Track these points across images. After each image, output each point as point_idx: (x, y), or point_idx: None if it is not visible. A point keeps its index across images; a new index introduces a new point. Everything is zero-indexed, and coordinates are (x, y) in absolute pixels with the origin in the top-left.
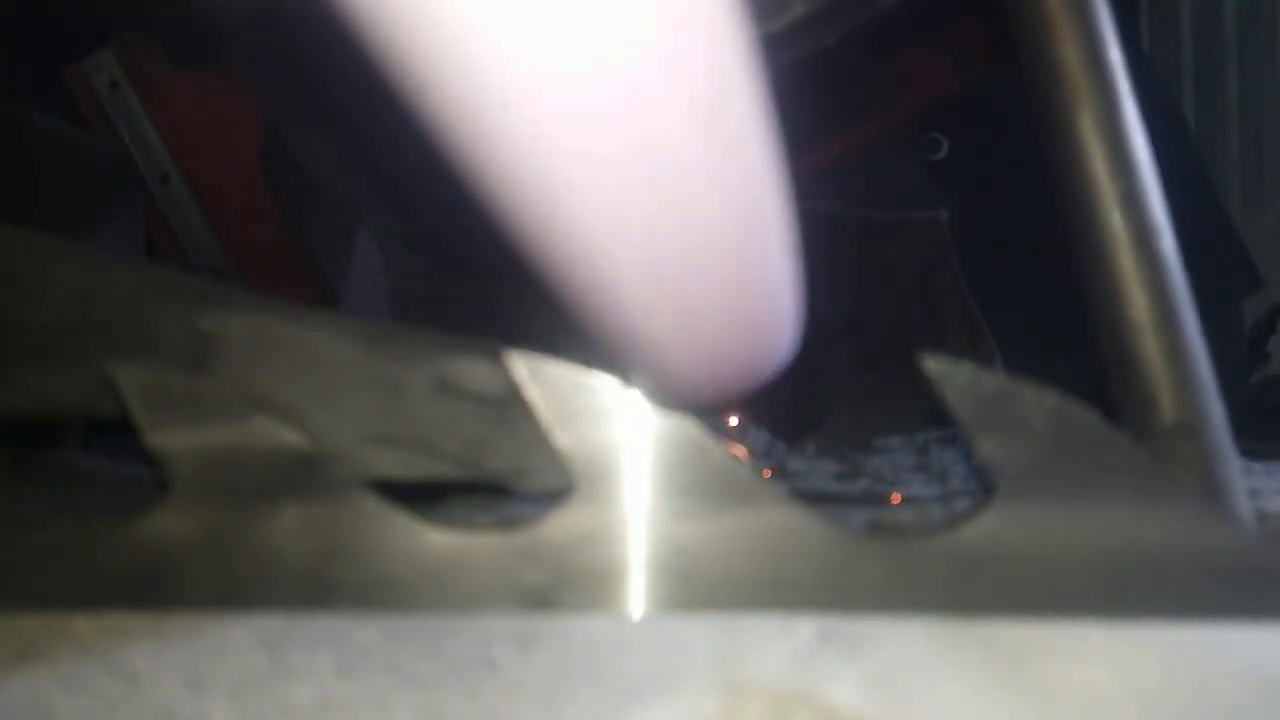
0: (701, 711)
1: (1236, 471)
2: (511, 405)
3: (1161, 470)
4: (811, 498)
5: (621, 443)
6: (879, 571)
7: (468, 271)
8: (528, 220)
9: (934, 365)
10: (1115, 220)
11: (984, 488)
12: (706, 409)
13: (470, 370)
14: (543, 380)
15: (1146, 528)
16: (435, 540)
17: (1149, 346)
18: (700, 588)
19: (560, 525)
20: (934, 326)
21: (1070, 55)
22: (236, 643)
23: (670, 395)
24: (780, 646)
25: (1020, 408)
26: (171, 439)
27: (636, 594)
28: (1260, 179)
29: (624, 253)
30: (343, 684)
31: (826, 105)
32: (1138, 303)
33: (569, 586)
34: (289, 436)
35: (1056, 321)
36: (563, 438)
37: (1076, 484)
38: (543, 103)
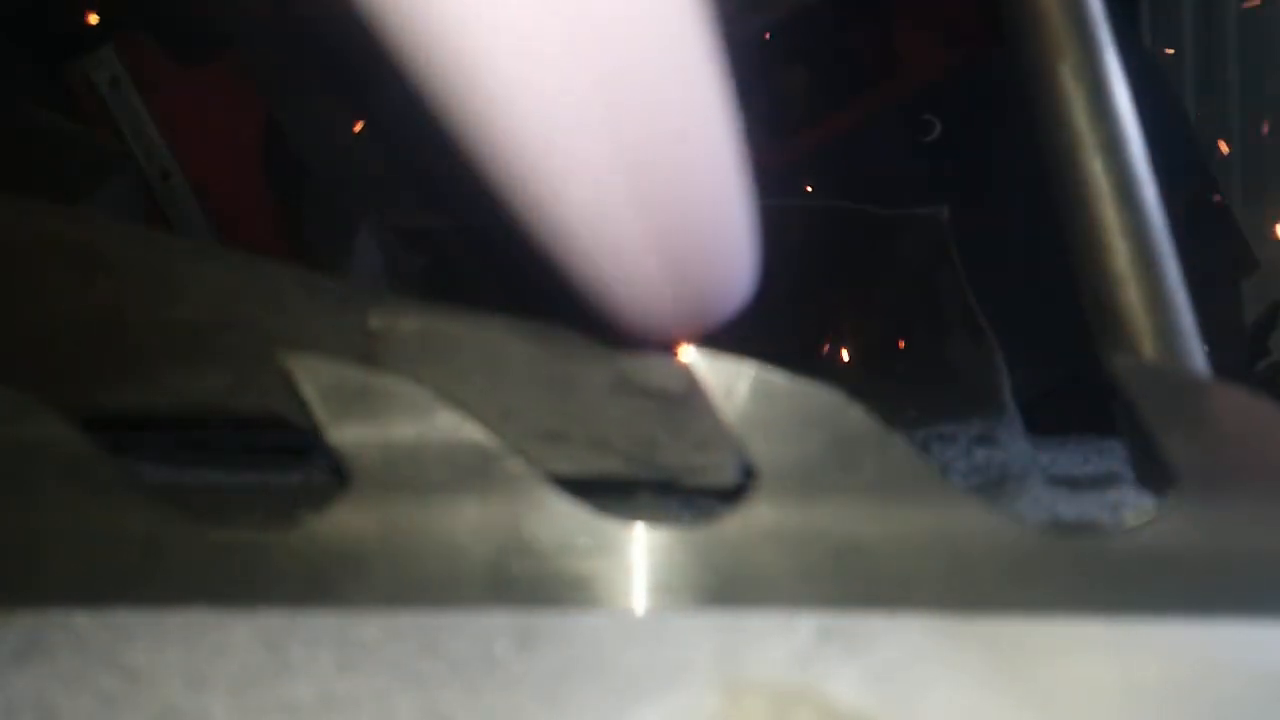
0: (703, 708)
1: None
2: (687, 402)
3: None
4: None
5: (803, 440)
6: (1064, 571)
7: (467, 270)
8: (506, 166)
9: (1120, 362)
10: (1096, 170)
11: (988, 483)
12: (672, 340)
13: (647, 367)
14: (723, 377)
15: None
16: (617, 535)
17: (1130, 295)
18: (880, 586)
19: (743, 523)
20: (935, 325)
21: (1051, 3)
22: (237, 640)
23: (640, 328)
24: (781, 644)
25: (1206, 404)
26: (351, 435)
27: (814, 593)
28: (1261, 173)
29: (594, 187)
30: (343, 681)
31: (817, 86)
32: (1119, 252)
33: (750, 585)
34: (468, 431)
35: (1054, 303)
36: (745, 435)
37: (1262, 482)
38: (511, 51)
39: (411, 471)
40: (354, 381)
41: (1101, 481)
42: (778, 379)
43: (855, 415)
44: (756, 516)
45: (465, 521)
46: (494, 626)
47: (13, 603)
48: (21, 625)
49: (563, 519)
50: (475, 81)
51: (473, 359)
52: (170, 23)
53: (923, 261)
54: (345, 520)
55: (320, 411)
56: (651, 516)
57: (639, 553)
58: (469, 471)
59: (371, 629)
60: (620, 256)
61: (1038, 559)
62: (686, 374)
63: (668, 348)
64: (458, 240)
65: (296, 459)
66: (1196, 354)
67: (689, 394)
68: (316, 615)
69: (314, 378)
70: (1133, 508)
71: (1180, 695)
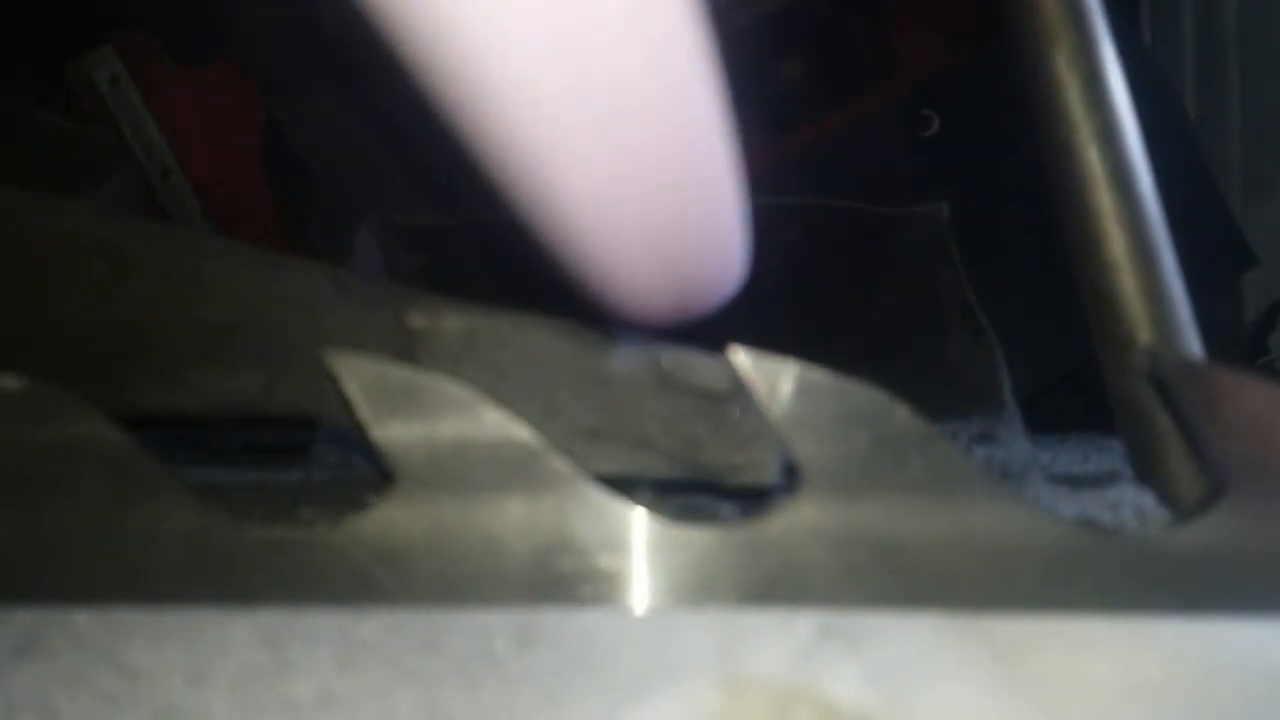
0: (703, 707)
1: None
2: (731, 401)
3: None
4: None
5: (846, 439)
6: (1108, 571)
7: (466, 269)
8: (503, 162)
9: (1164, 361)
10: (1091, 158)
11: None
12: (664, 326)
13: (690, 365)
14: (766, 375)
15: None
16: (662, 533)
17: (1126, 284)
18: (921, 586)
19: (788, 521)
20: (935, 323)
21: None
22: (237, 638)
23: (633, 312)
24: (782, 642)
25: (1247, 402)
26: (397, 433)
27: (857, 591)
28: (1261, 174)
29: (582, 165)
30: (343, 678)
31: (814, 84)
32: (1115, 241)
33: (793, 583)
34: (513, 429)
35: (1053, 298)
36: (789, 434)
37: None
38: (507, 46)
39: (455, 470)
40: (397, 380)
41: (1102, 480)
42: (821, 377)
43: (900, 414)
44: (799, 516)
45: (509, 520)
46: (494, 624)
47: (13, 600)
48: (21, 623)
49: (606, 517)
50: (472, 78)
51: (515, 357)
52: (170, 22)
53: (923, 260)
54: (391, 518)
55: (364, 410)
56: (696, 516)
57: (684, 551)
58: (513, 470)
59: (371, 626)
60: (616, 246)
61: (1081, 557)
62: (729, 372)
63: (662, 335)
64: (458, 238)
65: (297, 457)
66: (1194, 343)
67: (732, 392)
68: (316, 613)
69: (357, 376)
70: (1132, 507)
71: (1182, 692)
